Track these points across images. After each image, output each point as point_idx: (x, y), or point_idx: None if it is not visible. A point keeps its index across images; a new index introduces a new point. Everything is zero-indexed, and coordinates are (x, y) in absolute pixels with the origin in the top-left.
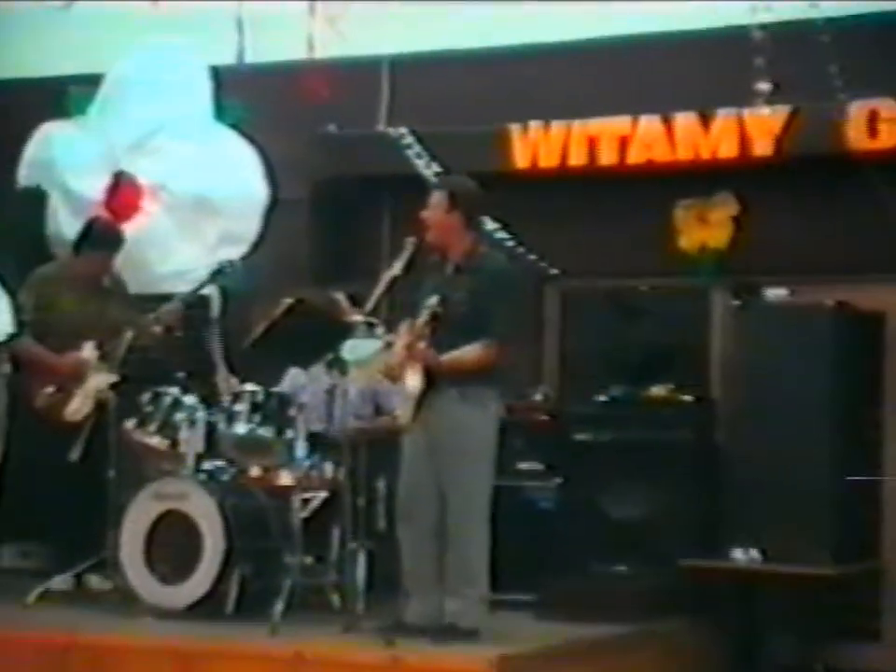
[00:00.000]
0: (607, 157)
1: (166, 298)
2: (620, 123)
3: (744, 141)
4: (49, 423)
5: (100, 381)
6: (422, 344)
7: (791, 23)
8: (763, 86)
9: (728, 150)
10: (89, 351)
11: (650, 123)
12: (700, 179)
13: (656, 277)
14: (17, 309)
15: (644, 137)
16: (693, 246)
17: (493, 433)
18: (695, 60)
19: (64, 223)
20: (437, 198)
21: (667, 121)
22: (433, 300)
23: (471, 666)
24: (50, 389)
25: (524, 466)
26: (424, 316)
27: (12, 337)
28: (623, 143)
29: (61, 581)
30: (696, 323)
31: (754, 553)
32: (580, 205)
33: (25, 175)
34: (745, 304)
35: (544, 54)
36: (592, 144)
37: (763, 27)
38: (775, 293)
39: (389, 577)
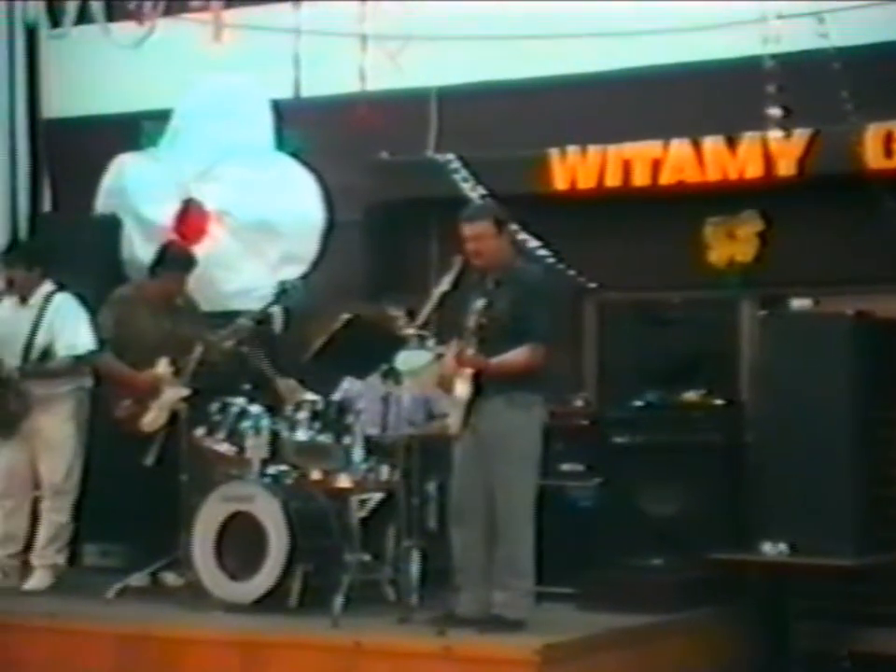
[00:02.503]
0: (640, 178)
1: (233, 315)
2: (652, 147)
3: (768, 162)
4: (127, 433)
5: (173, 394)
6: (470, 351)
7: (804, 52)
8: (775, 111)
9: (754, 171)
10: (163, 367)
11: (680, 147)
12: (728, 198)
13: (687, 290)
14: (97, 327)
15: (675, 160)
16: (721, 261)
17: (538, 437)
18: (721, 87)
19: (138, 248)
20: (482, 227)
21: (696, 145)
22: (480, 303)
23: (518, 655)
24: (128, 402)
25: (566, 467)
26: (471, 323)
27: (93, 353)
28: (656, 165)
29: (138, 578)
30: (725, 332)
31: (782, 546)
32: (615, 224)
33: (102, 203)
34: (771, 314)
35: (581, 84)
36: (626, 166)
37: (775, 56)
38: (799, 303)
39: (441, 572)
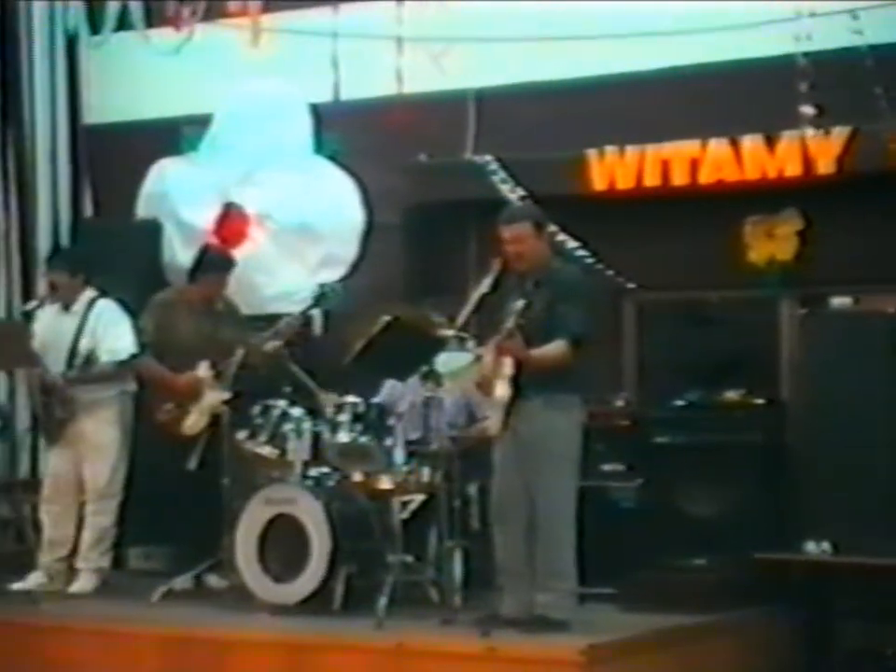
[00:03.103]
0: (679, 178)
1: (273, 318)
2: (690, 147)
3: (807, 161)
4: (169, 436)
5: (214, 398)
6: (510, 340)
7: (838, 50)
8: (808, 110)
9: (793, 170)
10: (203, 370)
11: (718, 146)
12: (767, 197)
13: (727, 289)
14: (138, 331)
15: (713, 159)
16: (761, 260)
17: (577, 437)
18: (758, 86)
19: (178, 252)
20: (522, 230)
21: (735, 144)
22: (519, 303)
23: (561, 655)
24: (170, 406)
25: (607, 468)
26: (510, 323)
27: (135, 358)
28: (694, 165)
29: (182, 581)
30: (765, 331)
31: (825, 545)
32: (654, 224)
33: (143, 208)
34: (811, 313)
35: (619, 84)
36: (665, 166)
37: (808, 54)
38: (839, 301)
39: (484, 573)
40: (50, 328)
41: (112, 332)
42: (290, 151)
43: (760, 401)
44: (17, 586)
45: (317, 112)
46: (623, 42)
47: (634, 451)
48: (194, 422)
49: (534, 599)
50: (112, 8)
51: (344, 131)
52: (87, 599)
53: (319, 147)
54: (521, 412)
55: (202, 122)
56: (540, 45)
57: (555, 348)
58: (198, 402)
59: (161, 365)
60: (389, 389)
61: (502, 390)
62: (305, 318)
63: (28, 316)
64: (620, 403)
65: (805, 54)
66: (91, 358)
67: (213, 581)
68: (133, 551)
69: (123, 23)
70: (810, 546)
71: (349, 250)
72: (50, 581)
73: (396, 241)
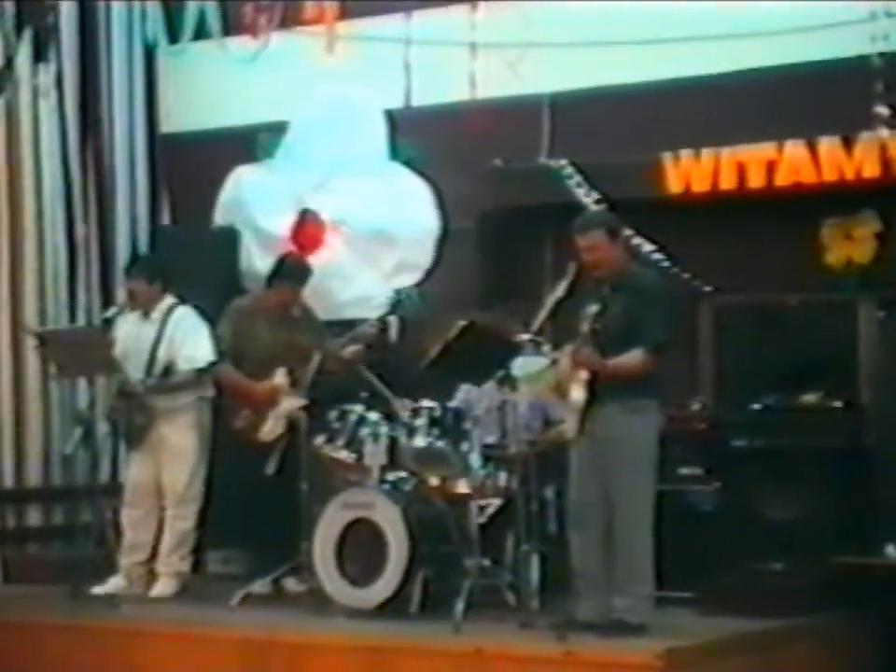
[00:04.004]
0: (755, 181)
1: (349, 324)
2: (766, 149)
3: (886, 162)
4: (247, 442)
5: (291, 404)
6: (586, 351)
7: None
8: (883, 110)
9: (870, 171)
10: (281, 377)
11: (795, 148)
12: (844, 199)
13: (804, 292)
14: (216, 338)
15: (790, 161)
16: (839, 262)
17: (654, 441)
18: (833, 87)
19: (256, 259)
20: (596, 238)
21: (812, 146)
22: (594, 309)
23: (640, 659)
24: (247, 412)
25: (684, 471)
26: (585, 326)
27: (213, 365)
28: (771, 167)
29: (260, 585)
30: (844, 334)
31: None
32: (731, 227)
33: (220, 215)
34: (889, 315)
35: (693, 87)
36: (741, 169)
37: (884, 55)
38: None
39: (561, 577)
40: (130, 335)
41: (191, 340)
42: (365, 157)
43: (838, 404)
44: (98, 590)
45: (392, 118)
46: (698, 45)
47: (712, 454)
48: (271, 428)
49: (611, 603)
50: (190, 17)
51: (419, 137)
52: (167, 603)
53: (394, 153)
54: (597, 416)
55: (277, 130)
56: (615, 49)
57: (633, 357)
58: (274, 409)
59: (239, 371)
60: (465, 394)
61: (578, 395)
62: (382, 324)
63: (108, 323)
64: (697, 407)
65: (881, 55)
66: (170, 368)
67: (290, 584)
68: (212, 555)
69: (201, 32)
70: (889, 549)
71: (424, 256)
72: (131, 584)
73: (470, 246)
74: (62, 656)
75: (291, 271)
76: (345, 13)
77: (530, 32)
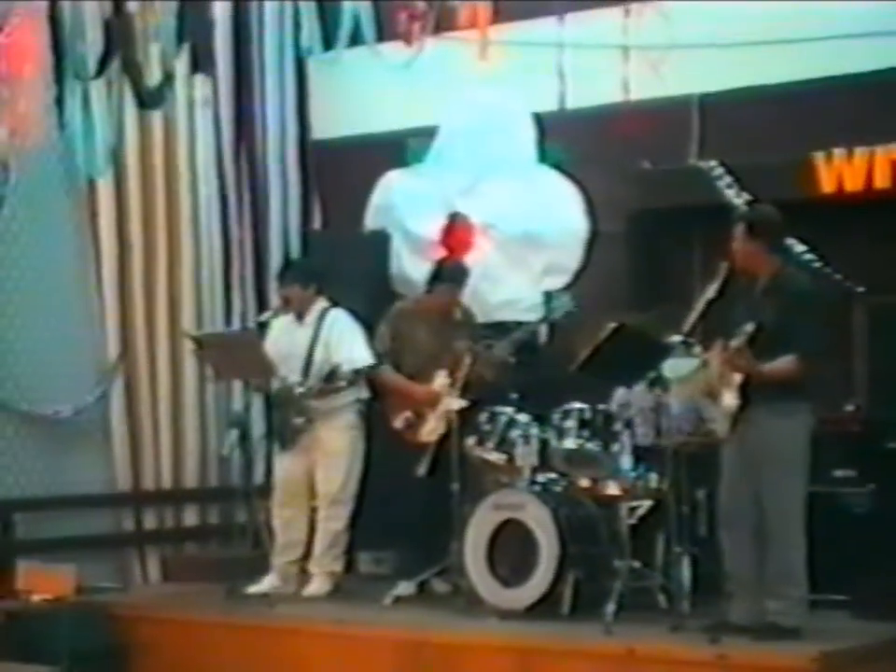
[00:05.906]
0: None
1: (499, 326)
2: None
3: None
4: (403, 443)
5: (452, 405)
6: (746, 356)
7: None
8: None
9: None
10: (441, 379)
11: None
12: None
13: None
14: (375, 340)
15: None
16: None
17: (805, 444)
18: None
19: (406, 262)
20: (738, 229)
21: None
22: (749, 326)
23: (794, 663)
24: (408, 413)
25: (838, 473)
26: (741, 339)
27: (372, 367)
28: None
29: (409, 586)
30: None
31: None
32: (884, 226)
33: (371, 219)
34: None
35: (845, 86)
36: (895, 168)
37: None
38: None
39: (712, 579)
40: (285, 338)
41: (347, 342)
42: (514, 161)
43: None
44: (253, 589)
45: (541, 121)
46: (850, 42)
47: (865, 456)
48: (432, 429)
49: (764, 606)
50: (346, 25)
51: (568, 139)
52: (320, 602)
53: (543, 156)
54: (749, 418)
55: (427, 135)
56: (765, 48)
57: (786, 364)
58: (435, 410)
59: (398, 373)
60: (622, 396)
61: (730, 399)
62: (538, 328)
63: (262, 327)
64: (851, 408)
65: None
66: (332, 373)
67: (438, 585)
68: (363, 555)
69: (356, 39)
70: None
71: (573, 258)
72: (284, 583)
73: (619, 248)
74: (217, 653)
75: (450, 273)
76: (498, 15)
77: (680, 32)
